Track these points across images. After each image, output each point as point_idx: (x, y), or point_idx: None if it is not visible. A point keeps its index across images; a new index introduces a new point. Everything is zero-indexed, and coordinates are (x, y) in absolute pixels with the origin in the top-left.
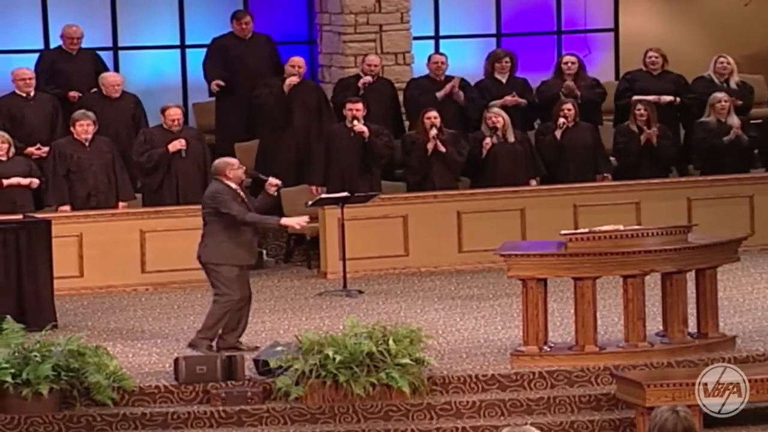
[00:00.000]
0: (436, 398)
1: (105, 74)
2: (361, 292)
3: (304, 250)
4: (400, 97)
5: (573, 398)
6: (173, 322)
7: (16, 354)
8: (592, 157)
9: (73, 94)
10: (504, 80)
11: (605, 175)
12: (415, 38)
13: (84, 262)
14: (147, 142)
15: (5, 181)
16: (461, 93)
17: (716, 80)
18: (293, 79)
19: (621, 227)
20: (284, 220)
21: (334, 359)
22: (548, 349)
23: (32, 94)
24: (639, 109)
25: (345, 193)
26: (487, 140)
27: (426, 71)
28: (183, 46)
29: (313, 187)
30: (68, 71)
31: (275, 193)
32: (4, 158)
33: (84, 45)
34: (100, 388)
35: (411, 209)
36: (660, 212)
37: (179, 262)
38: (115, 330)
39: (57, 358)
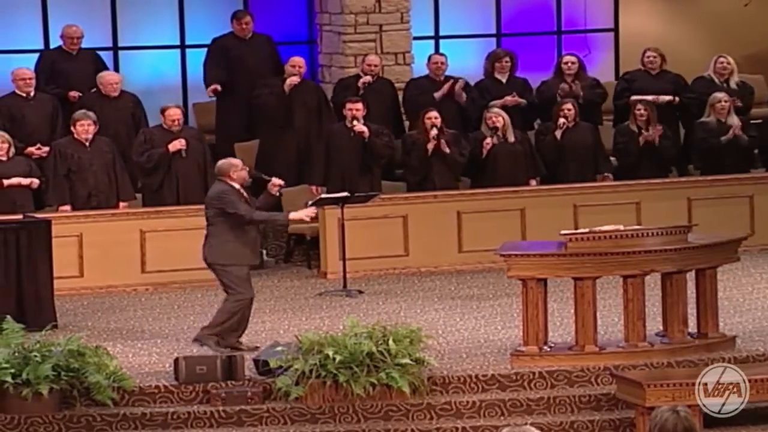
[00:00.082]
0: (436, 398)
1: (102, 73)
2: (361, 292)
3: (304, 250)
4: (400, 97)
5: (573, 398)
6: (173, 322)
7: (16, 354)
8: (592, 157)
9: (73, 94)
10: (504, 80)
11: (606, 174)
12: (415, 38)
13: (84, 262)
14: (147, 142)
15: (5, 181)
16: (464, 94)
17: (716, 80)
18: (294, 79)
19: (621, 227)
20: (293, 215)
21: (334, 359)
22: (548, 349)
23: (32, 94)
24: (639, 109)
25: (345, 193)
26: (488, 140)
27: (426, 71)
28: (183, 46)
29: (313, 187)
30: (68, 71)
31: (278, 194)
32: (4, 158)
33: (84, 45)
34: (100, 388)
35: (411, 209)
36: (660, 212)
37: (179, 262)
38: (115, 330)
39: (57, 358)
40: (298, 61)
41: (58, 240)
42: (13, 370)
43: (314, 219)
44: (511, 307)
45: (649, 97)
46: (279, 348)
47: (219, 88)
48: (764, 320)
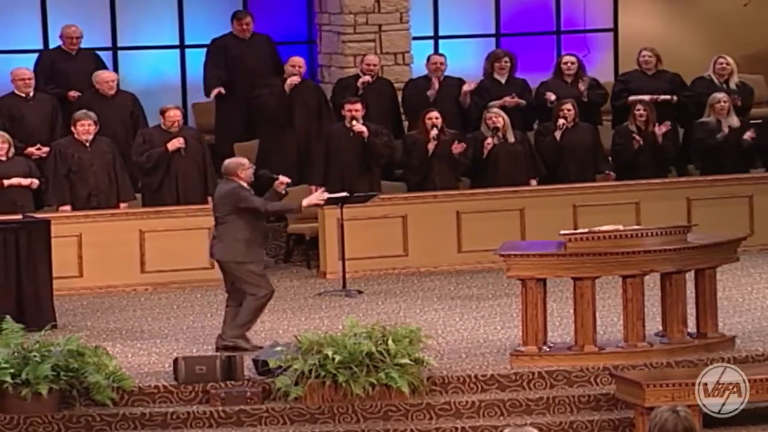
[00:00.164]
0: (436, 398)
1: (98, 72)
2: (360, 292)
3: (303, 250)
4: (400, 97)
5: (572, 398)
6: (173, 322)
7: (16, 354)
8: (591, 158)
9: (73, 93)
10: (503, 80)
11: (608, 172)
12: (415, 38)
13: (83, 262)
14: (146, 143)
15: (5, 182)
16: (468, 98)
17: (716, 81)
18: (294, 79)
19: (621, 227)
20: (305, 201)
21: (333, 359)
22: (547, 349)
23: (32, 94)
24: (638, 110)
25: (345, 193)
26: (489, 140)
27: (425, 71)
28: (182, 46)
29: (313, 187)
30: (68, 71)
31: (284, 192)
32: (4, 158)
33: (83, 45)
34: (100, 388)
35: (411, 209)
36: (660, 212)
37: (179, 262)
38: (115, 330)
39: (56, 358)
40: (298, 61)
41: (57, 240)
42: (12, 370)
43: (313, 219)
44: (510, 307)
45: (646, 97)
46: (278, 348)
47: (223, 90)
48: (763, 320)
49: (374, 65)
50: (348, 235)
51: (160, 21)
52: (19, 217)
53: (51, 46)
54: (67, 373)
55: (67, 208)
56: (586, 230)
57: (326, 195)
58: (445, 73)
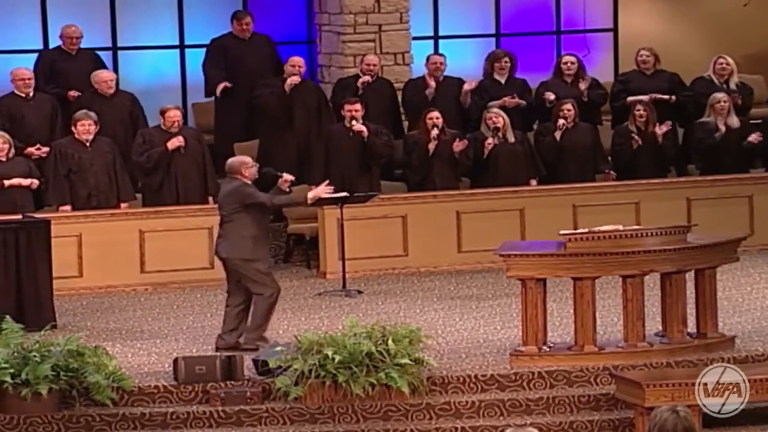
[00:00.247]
0: (436, 398)
1: (96, 72)
2: (360, 292)
3: (303, 250)
4: (399, 97)
5: (572, 398)
6: (173, 322)
7: (16, 354)
8: (591, 158)
9: (73, 93)
10: (503, 81)
11: (609, 172)
12: (415, 38)
13: (83, 262)
14: (146, 143)
15: (6, 182)
16: (468, 97)
17: (716, 81)
18: (295, 79)
19: (620, 227)
20: (311, 194)
21: (333, 359)
22: (547, 349)
23: (31, 94)
24: (638, 110)
25: (344, 193)
26: (489, 140)
27: (425, 71)
28: (182, 46)
29: (313, 187)
30: (67, 71)
31: (289, 190)
32: (4, 159)
33: (83, 45)
34: (100, 388)
35: (410, 209)
36: (659, 212)
37: (179, 262)
38: (115, 330)
39: (56, 358)
40: (298, 61)
41: (57, 240)
42: (12, 370)
43: (313, 219)
44: (510, 307)
45: (645, 97)
46: (278, 348)
47: (229, 84)
48: (763, 320)
49: (374, 65)
50: (348, 235)
51: (160, 21)
52: (19, 217)
53: (51, 46)
54: (67, 373)
55: (67, 208)
56: (586, 230)
57: (331, 187)
58: (445, 73)
